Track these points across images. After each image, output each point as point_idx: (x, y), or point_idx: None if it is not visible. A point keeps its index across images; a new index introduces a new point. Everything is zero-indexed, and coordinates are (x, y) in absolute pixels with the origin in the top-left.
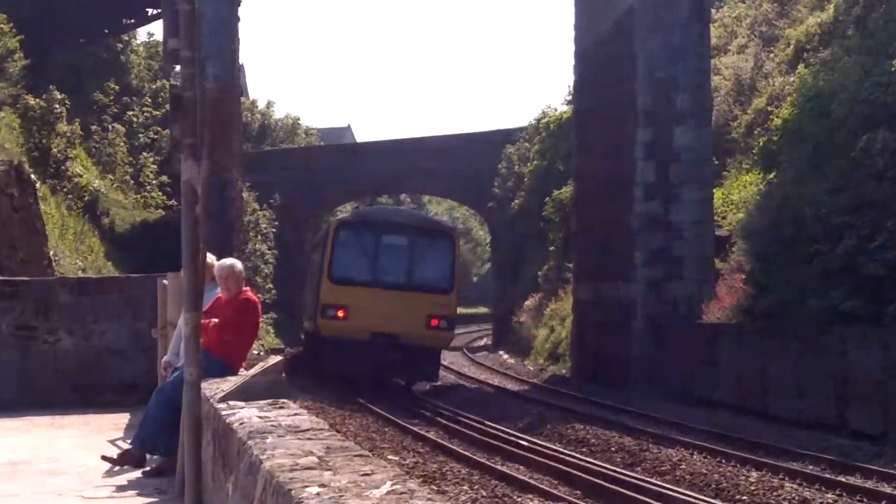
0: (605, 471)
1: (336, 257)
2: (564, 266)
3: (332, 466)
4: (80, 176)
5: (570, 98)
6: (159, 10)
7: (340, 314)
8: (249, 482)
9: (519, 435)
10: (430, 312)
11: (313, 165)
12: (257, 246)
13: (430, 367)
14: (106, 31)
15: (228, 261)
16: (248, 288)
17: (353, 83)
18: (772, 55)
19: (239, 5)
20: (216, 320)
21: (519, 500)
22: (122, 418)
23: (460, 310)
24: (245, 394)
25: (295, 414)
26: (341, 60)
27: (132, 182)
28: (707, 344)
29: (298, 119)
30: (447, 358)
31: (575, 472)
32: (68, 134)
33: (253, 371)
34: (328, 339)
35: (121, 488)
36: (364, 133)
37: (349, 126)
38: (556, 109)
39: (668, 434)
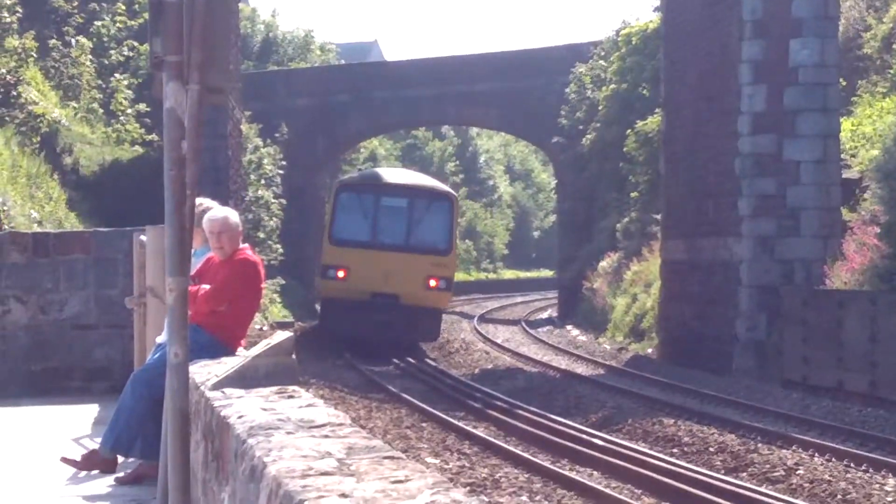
0: (701, 477)
1: (337, 219)
2: (650, 218)
3: (355, 471)
4: (36, 103)
5: (658, 4)
6: None
7: (341, 275)
8: (251, 492)
9: (592, 432)
10: (429, 273)
11: (331, 90)
12: (260, 192)
13: (431, 326)
14: None
15: (221, 211)
16: (246, 245)
17: None
18: None
19: None
20: (207, 287)
21: None
22: (90, 411)
23: (518, 273)
24: (245, 380)
25: (308, 405)
26: None
27: (101, 111)
28: (832, 317)
29: (311, 32)
30: (501, 335)
31: (663, 478)
32: (20, 50)
33: (255, 351)
34: (330, 300)
35: (88, 499)
36: (394, 52)
37: (376, 42)
38: (639, 20)
39: (782, 431)
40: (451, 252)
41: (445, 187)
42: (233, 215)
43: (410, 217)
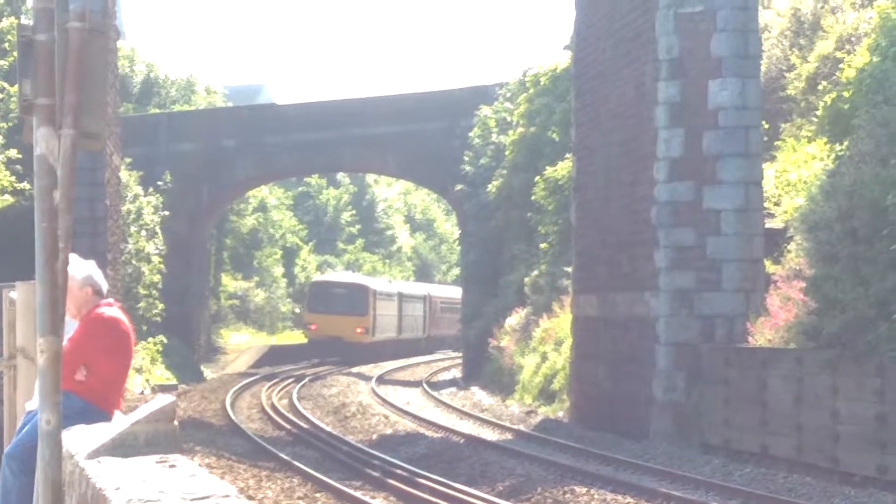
0: None
1: (311, 299)
2: (561, 271)
3: None
4: None
5: (568, 43)
6: None
7: (314, 327)
8: None
9: (499, 502)
10: (356, 325)
11: (217, 134)
12: (140, 244)
13: (360, 353)
14: None
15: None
16: (107, 301)
17: (269, 31)
18: None
19: None
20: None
21: None
22: None
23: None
24: (123, 448)
25: (191, 476)
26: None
27: None
28: (756, 377)
29: (194, 74)
30: (401, 397)
31: None
32: None
33: (134, 416)
34: (311, 339)
35: None
36: (285, 95)
37: (264, 86)
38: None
39: (702, 499)
40: (368, 313)
41: (366, 281)
42: (81, 271)
43: (347, 297)
